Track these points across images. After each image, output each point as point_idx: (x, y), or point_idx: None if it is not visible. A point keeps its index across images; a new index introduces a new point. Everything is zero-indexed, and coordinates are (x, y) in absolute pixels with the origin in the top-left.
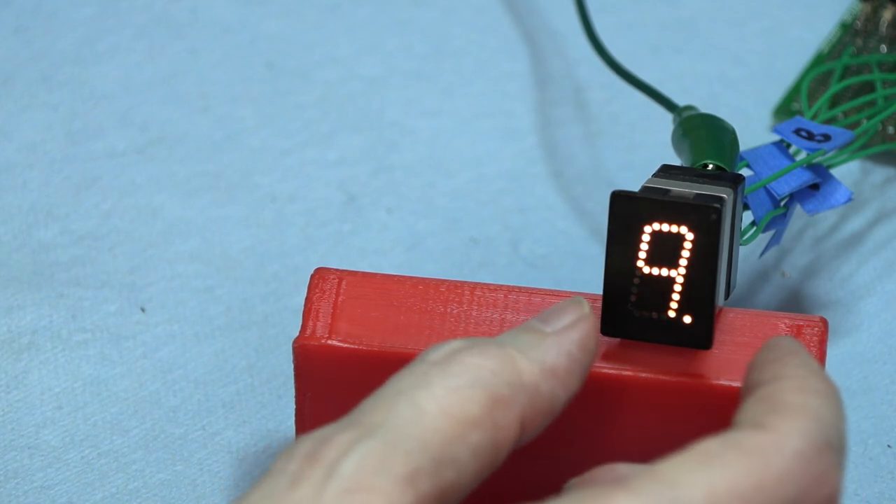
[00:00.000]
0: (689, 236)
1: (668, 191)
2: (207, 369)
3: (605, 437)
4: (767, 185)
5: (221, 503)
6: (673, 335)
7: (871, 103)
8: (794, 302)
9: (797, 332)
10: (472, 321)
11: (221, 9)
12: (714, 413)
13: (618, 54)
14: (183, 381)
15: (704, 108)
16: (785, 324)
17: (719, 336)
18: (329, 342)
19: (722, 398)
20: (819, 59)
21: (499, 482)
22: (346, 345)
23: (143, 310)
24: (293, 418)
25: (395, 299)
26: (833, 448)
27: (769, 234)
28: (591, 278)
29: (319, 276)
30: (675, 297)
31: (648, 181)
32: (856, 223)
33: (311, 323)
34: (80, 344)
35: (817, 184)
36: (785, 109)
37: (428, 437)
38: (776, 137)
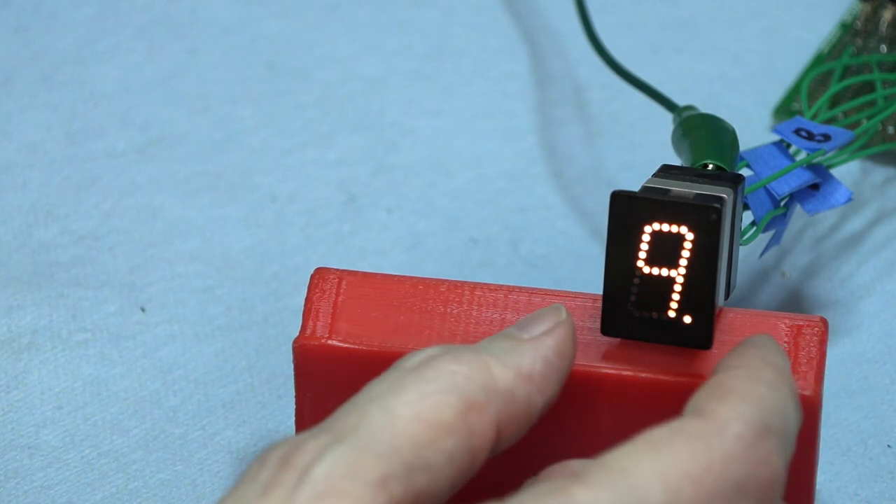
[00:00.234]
0: (689, 236)
1: (668, 191)
2: (207, 369)
3: (605, 437)
4: (767, 185)
5: None
6: (673, 335)
7: (871, 103)
8: (794, 302)
9: (797, 332)
10: (472, 321)
11: (221, 9)
12: None
13: (618, 54)
14: (183, 381)
15: (704, 108)
16: (785, 324)
17: (719, 336)
18: (329, 342)
19: None
20: (819, 59)
21: (499, 482)
22: (346, 345)
23: (143, 310)
24: (293, 418)
25: (395, 299)
26: (774, 432)
27: (769, 234)
28: (591, 278)
29: (319, 276)
30: (675, 297)
31: (648, 181)
32: (856, 223)
33: (311, 323)
34: (80, 344)
35: (817, 184)
36: (785, 109)
37: (400, 442)
38: (776, 137)
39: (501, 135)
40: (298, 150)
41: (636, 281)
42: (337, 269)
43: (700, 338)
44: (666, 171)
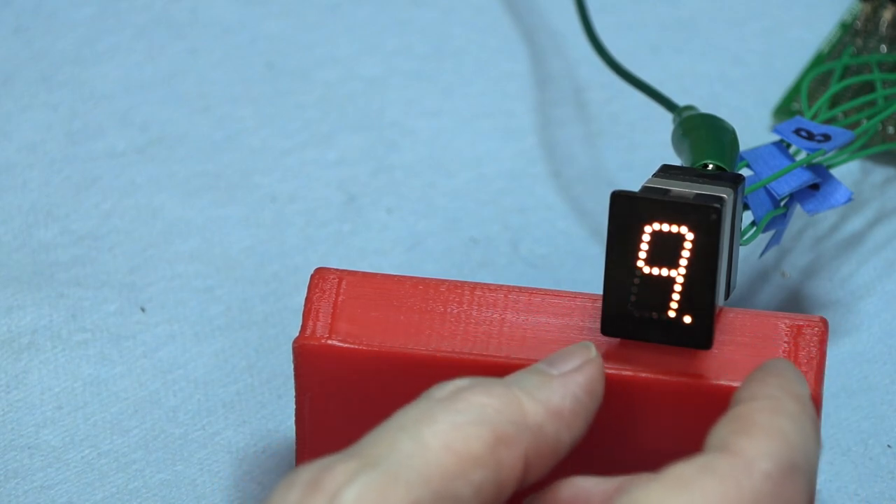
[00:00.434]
0: (689, 236)
1: (668, 191)
2: (207, 369)
3: (605, 437)
4: (767, 185)
5: (221, 503)
6: (673, 335)
7: (871, 103)
8: (794, 302)
9: (797, 332)
10: (472, 321)
11: (221, 9)
12: (714, 413)
13: (618, 54)
14: (183, 381)
15: (704, 108)
16: (785, 324)
17: (719, 336)
18: (329, 342)
19: (722, 398)
20: (819, 59)
21: None
22: (346, 345)
23: (143, 310)
24: (293, 418)
25: (395, 299)
26: (800, 470)
27: (769, 234)
28: (591, 278)
29: (319, 276)
30: (675, 297)
31: (648, 181)
32: (856, 223)
33: (311, 323)
34: (80, 344)
35: (817, 184)
36: (785, 109)
37: (430, 471)
38: (776, 137)
39: (501, 135)
40: (298, 150)
41: (636, 281)
42: (337, 269)
43: (700, 338)
44: (666, 171)
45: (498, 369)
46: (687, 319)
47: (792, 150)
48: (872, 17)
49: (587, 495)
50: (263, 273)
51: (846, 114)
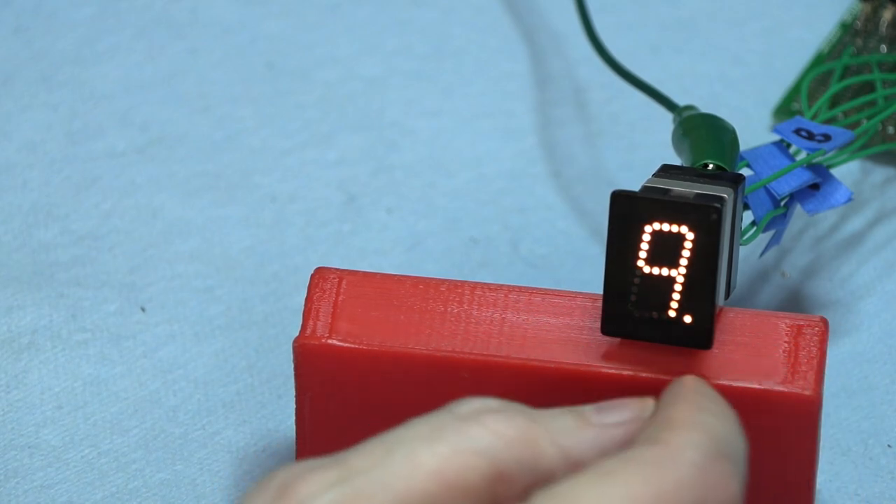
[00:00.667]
0: (690, 236)
1: (668, 190)
2: (207, 369)
3: None
4: (767, 185)
5: (221, 503)
6: (673, 335)
7: (871, 103)
8: (794, 302)
9: (797, 332)
10: (473, 321)
11: (221, 9)
12: None
13: (618, 54)
14: (183, 381)
15: (704, 108)
16: (785, 324)
17: (719, 336)
18: (329, 342)
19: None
20: (819, 59)
21: None
22: (346, 344)
23: (143, 310)
24: (293, 418)
25: (395, 299)
26: (728, 458)
27: (769, 234)
28: (591, 278)
29: (319, 276)
30: (676, 296)
31: (648, 181)
32: (856, 223)
33: (311, 323)
34: (80, 344)
35: (817, 184)
36: (785, 109)
37: (411, 496)
38: (776, 137)
39: (501, 135)
40: (298, 150)
41: (636, 281)
42: (337, 269)
43: (700, 338)
44: (666, 170)
45: (498, 369)
46: (687, 319)
47: (792, 150)
48: (872, 17)
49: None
50: (263, 273)
51: (846, 114)
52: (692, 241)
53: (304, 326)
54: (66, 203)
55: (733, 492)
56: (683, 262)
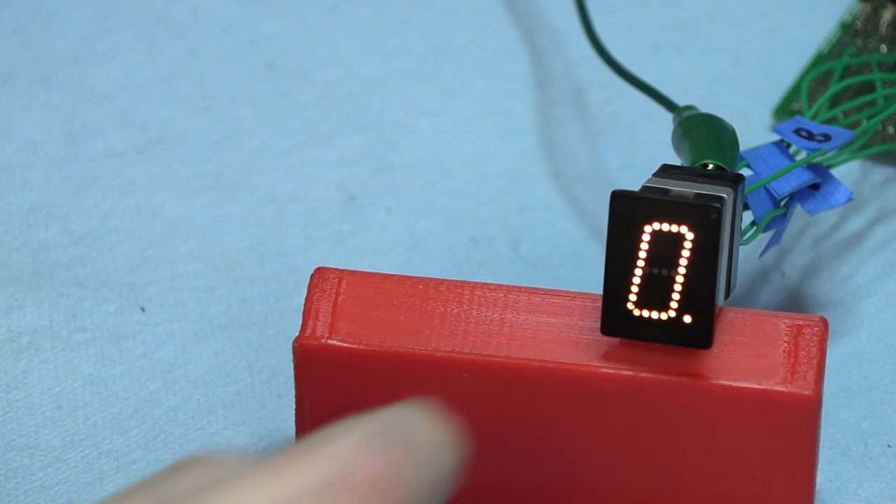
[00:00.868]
0: (690, 236)
1: (668, 190)
2: (207, 369)
3: (604, 437)
4: (767, 185)
5: None
6: (673, 335)
7: (871, 103)
8: (794, 302)
9: (797, 332)
10: (472, 321)
11: (221, 9)
12: (714, 413)
13: (618, 54)
14: (183, 381)
15: (704, 108)
16: (785, 324)
17: (719, 336)
18: (329, 342)
19: (722, 398)
20: (819, 59)
21: (493, 485)
22: (346, 344)
23: (143, 310)
24: (293, 418)
25: (395, 299)
26: (384, 437)
27: (769, 234)
28: (591, 278)
29: (319, 276)
30: (675, 296)
31: (648, 181)
32: (856, 223)
33: (311, 323)
34: (80, 344)
35: (817, 184)
36: (785, 109)
37: None
38: (776, 137)
39: (501, 135)
40: (298, 150)
41: (636, 281)
42: (337, 269)
43: (700, 338)
44: (666, 170)
45: (498, 369)
46: (687, 319)
47: (792, 150)
48: (872, 17)
49: None
50: (263, 273)
51: (846, 114)
52: (692, 241)
53: (303, 326)
54: (66, 203)
55: (383, 471)
56: (683, 262)
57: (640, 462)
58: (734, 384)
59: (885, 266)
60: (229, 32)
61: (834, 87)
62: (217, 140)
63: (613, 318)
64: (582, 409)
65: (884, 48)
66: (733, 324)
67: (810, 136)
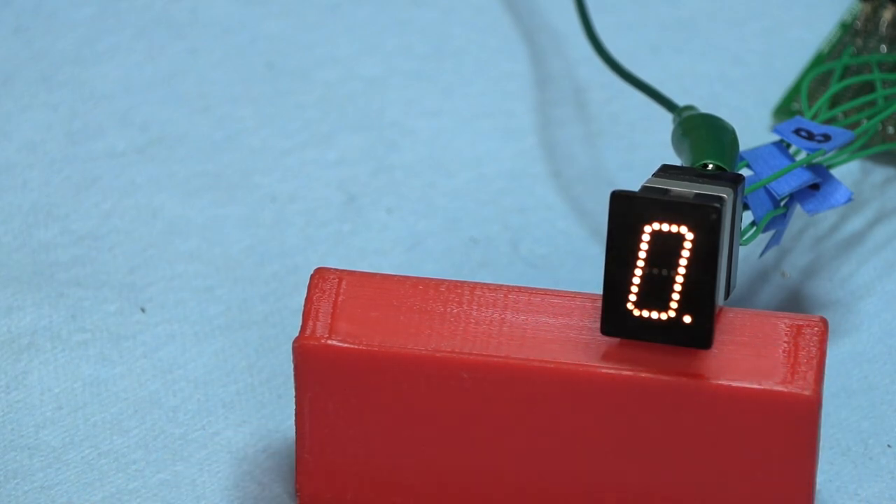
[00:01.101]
0: (689, 236)
1: (667, 191)
2: (207, 369)
3: (605, 438)
4: (767, 185)
5: (221, 503)
6: (673, 335)
7: (871, 103)
8: (794, 302)
9: (797, 332)
10: (472, 321)
11: (221, 9)
12: (714, 413)
13: (618, 54)
14: (183, 381)
15: (704, 108)
16: (785, 324)
17: (719, 336)
18: (329, 342)
19: (722, 398)
20: (819, 59)
21: (493, 485)
22: (346, 345)
23: (143, 310)
24: (293, 418)
25: (395, 299)
26: None
27: (769, 234)
28: (591, 278)
29: (319, 276)
30: (675, 296)
31: (648, 181)
32: (856, 223)
33: (311, 323)
34: (80, 344)
35: (817, 184)
36: (785, 109)
37: None
38: (776, 137)
39: (501, 135)
40: (298, 150)
41: (636, 281)
42: (337, 269)
43: (700, 338)
44: (666, 171)
45: (498, 369)
46: (687, 319)
47: (792, 150)
48: (872, 17)
49: None
50: (263, 273)
51: (846, 114)
52: (692, 242)
53: (303, 327)
54: (66, 203)
55: None
56: (683, 262)
57: (639, 462)
58: (734, 384)
59: (885, 266)
60: (229, 32)
61: (834, 87)
62: (217, 140)
63: (613, 318)
64: (582, 409)
65: (884, 48)
66: (733, 324)
67: (810, 136)
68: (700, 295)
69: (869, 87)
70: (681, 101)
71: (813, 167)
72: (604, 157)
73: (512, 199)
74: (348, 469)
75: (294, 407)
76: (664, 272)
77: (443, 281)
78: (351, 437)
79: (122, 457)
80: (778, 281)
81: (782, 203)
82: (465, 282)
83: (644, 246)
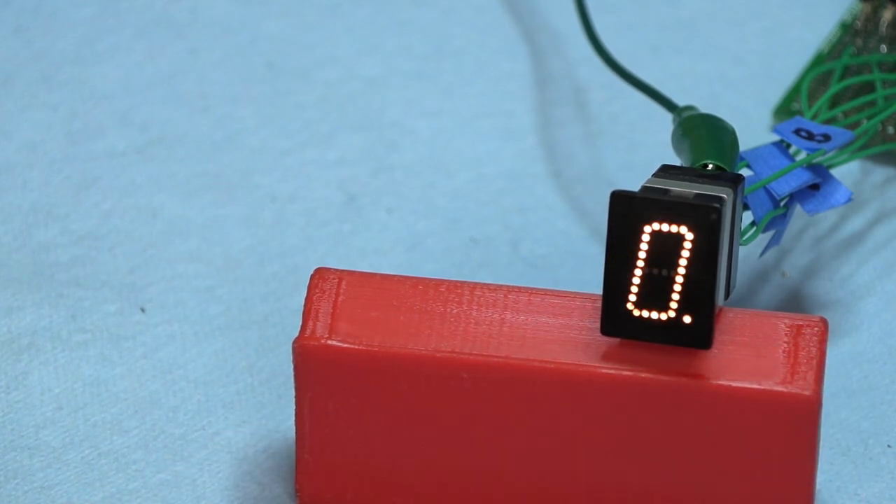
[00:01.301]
0: (689, 236)
1: (667, 191)
2: (207, 369)
3: (605, 438)
4: (767, 185)
5: (221, 503)
6: (673, 335)
7: (871, 103)
8: (794, 302)
9: (797, 332)
10: (472, 321)
11: (221, 9)
12: (714, 413)
13: (618, 54)
14: (183, 381)
15: (704, 108)
16: (785, 324)
17: (719, 336)
18: (329, 342)
19: (722, 398)
20: (819, 59)
21: (492, 485)
22: (346, 345)
23: (143, 310)
24: (293, 418)
25: (395, 299)
26: None
27: (769, 234)
28: (591, 278)
29: (319, 276)
30: (675, 296)
31: (648, 181)
32: (856, 223)
33: (311, 323)
34: (80, 344)
35: (817, 184)
36: (785, 109)
37: None
38: (776, 137)
39: (501, 135)
40: (298, 150)
41: (636, 281)
42: (337, 269)
43: (700, 338)
44: (666, 171)
45: (498, 369)
46: (687, 319)
47: (792, 150)
48: (872, 17)
49: None
50: (263, 273)
51: (846, 114)
52: (692, 242)
53: (303, 327)
54: (66, 203)
55: None
56: (683, 262)
57: (639, 462)
58: (734, 384)
59: (885, 266)
60: (229, 32)
61: (834, 87)
62: (217, 140)
63: (613, 318)
64: (582, 409)
65: (884, 48)
66: (733, 324)
67: (810, 137)
68: (700, 295)
69: (869, 87)
70: (681, 101)
71: (813, 167)
72: (604, 157)
73: (512, 199)
74: (348, 469)
75: (294, 407)
76: (664, 272)
77: (443, 281)
78: (351, 437)
79: (122, 457)
80: (778, 281)
81: (782, 203)
82: (465, 282)
83: (644, 246)
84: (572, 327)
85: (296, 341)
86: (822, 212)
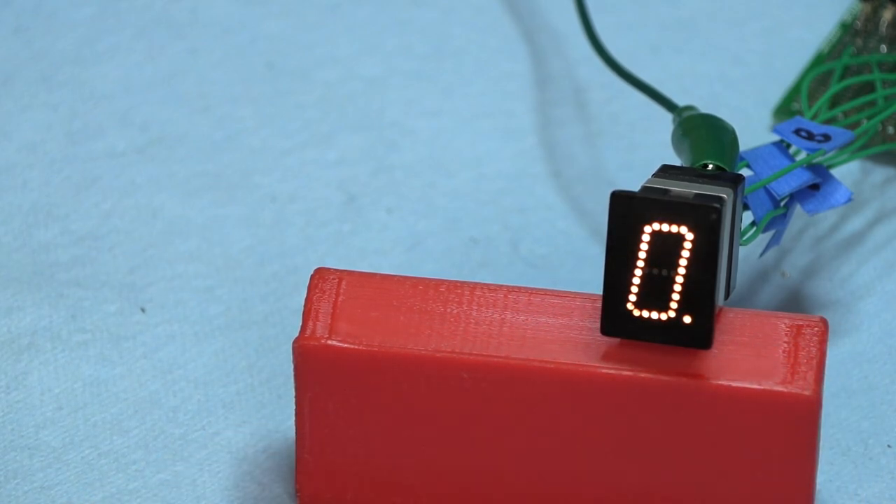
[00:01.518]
0: (689, 236)
1: (667, 191)
2: (207, 369)
3: (605, 438)
4: (767, 185)
5: (221, 503)
6: (673, 335)
7: (871, 103)
8: (794, 302)
9: (797, 332)
10: (472, 321)
11: (221, 9)
12: (714, 413)
13: (618, 54)
14: (183, 381)
15: (704, 108)
16: (785, 324)
17: (719, 336)
18: (329, 342)
19: (722, 398)
20: (819, 59)
21: (492, 485)
22: (346, 345)
23: (143, 310)
24: (293, 418)
25: (395, 299)
26: None
27: (769, 234)
28: (591, 278)
29: (319, 276)
30: (675, 296)
31: (648, 181)
32: (856, 223)
33: (311, 323)
34: (80, 344)
35: (817, 184)
36: (785, 109)
37: None
38: (776, 137)
39: (501, 135)
40: (298, 150)
41: (636, 281)
42: (337, 270)
43: (700, 338)
44: (666, 171)
45: (498, 369)
46: (687, 319)
47: (792, 150)
48: (872, 17)
49: None
50: (263, 273)
51: (846, 114)
52: (692, 242)
53: (303, 327)
54: (66, 203)
55: None
56: (683, 262)
57: (639, 462)
58: (734, 384)
59: (885, 266)
60: (229, 32)
61: (834, 87)
62: (217, 140)
63: (613, 318)
64: (582, 410)
65: (884, 48)
66: (733, 324)
67: (810, 137)
68: (700, 295)
69: (869, 87)
70: (681, 101)
71: (813, 167)
72: (604, 157)
73: (512, 199)
74: (348, 469)
75: (294, 407)
76: (664, 272)
77: (443, 281)
78: (351, 437)
79: (122, 457)
80: (778, 281)
81: (782, 203)
82: (465, 282)
83: (644, 246)
84: (572, 327)
85: (296, 341)
86: (822, 212)
